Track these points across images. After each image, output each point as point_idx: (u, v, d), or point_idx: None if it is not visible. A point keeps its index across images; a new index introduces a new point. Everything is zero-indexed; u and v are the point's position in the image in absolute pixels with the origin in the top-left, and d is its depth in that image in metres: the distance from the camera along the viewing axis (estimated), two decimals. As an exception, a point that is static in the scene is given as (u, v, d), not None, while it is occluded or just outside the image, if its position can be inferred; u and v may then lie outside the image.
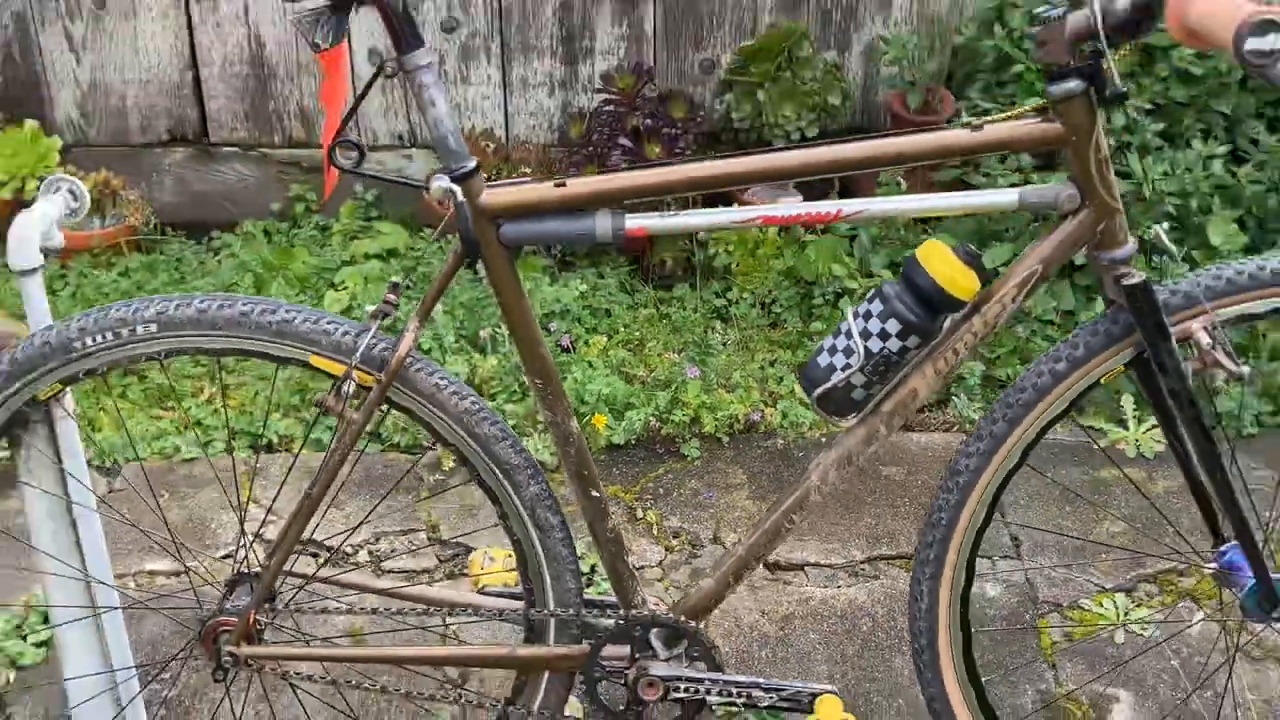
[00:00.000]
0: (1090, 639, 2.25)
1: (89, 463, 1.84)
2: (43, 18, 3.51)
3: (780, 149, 1.61)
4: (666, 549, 2.47)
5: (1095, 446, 2.69)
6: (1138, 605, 2.32)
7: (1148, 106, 3.13)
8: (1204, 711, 2.10)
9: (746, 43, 3.40)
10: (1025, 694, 2.13)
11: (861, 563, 2.42)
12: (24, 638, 2.24)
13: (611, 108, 3.31)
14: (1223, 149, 3.09)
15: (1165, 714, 2.13)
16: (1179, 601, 2.33)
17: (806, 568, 2.41)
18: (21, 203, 3.39)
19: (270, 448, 2.79)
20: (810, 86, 3.25)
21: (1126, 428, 2.72)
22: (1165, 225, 1.84)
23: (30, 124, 3.38)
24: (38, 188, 3.45)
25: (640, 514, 2.55)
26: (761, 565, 2.18)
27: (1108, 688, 2.15)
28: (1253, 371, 2.82)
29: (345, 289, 3.17)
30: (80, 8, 3.49)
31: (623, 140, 3.23)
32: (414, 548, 2.51)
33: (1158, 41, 3.11)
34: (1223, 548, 1.81)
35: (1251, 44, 1.26)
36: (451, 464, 2.65)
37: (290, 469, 2.50)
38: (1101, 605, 2.29)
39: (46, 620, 2.24)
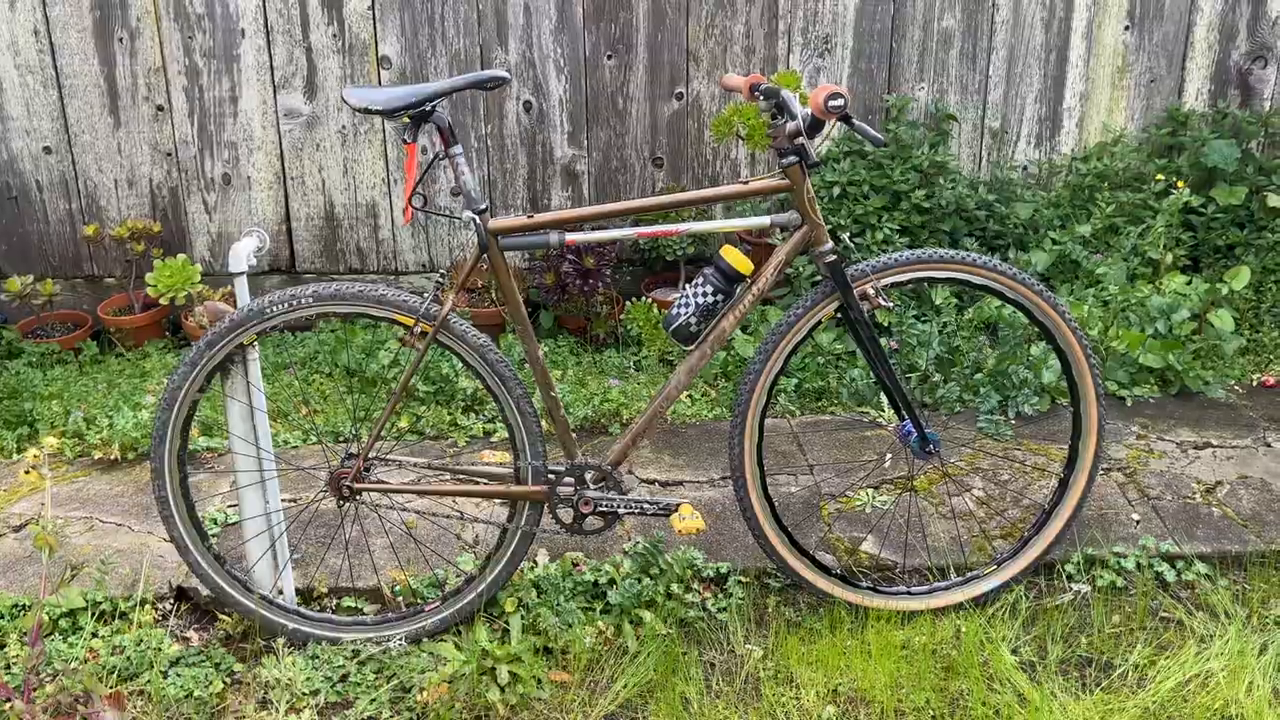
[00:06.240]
0: (852, 512, 2.82)
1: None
2: (188, 189, 4.08)
3: (642, 198, 2.34)
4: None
5: (864, 421, 3.31)
6: (881, 495, 2.88)
7: (898, 228, 3.96)
8: (914, 539, 2.68)
9: (648, 195, 4.15)
10: (811, 537, 2.70)
11: (718, 480, 2.97)
12: (214, 522, 2.80)
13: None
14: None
15: (881, 541, 2.68)
16: (902, 491, 2.89)
17: (684, 483, 2.96)
18: (175, 306, 3.96)
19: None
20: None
21: (884, 411, 3.36)
22: (848, 234, 2.61)
23: (182, 256, 3.82)
24: (186, 296, 4.07)
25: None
26: (663, 488, 2.79)
27: (861, 534, 2.72)
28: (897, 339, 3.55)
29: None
30: (214, 184, 4.07)
31: (570, 255, 3.95)
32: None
33: (900, 188, 3.95)
34: (902, 422, 2.45)
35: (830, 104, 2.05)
36: (469, 436, 3.30)
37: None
38: (859, 495, 2.91)
39: (226, 520, 2.81)
